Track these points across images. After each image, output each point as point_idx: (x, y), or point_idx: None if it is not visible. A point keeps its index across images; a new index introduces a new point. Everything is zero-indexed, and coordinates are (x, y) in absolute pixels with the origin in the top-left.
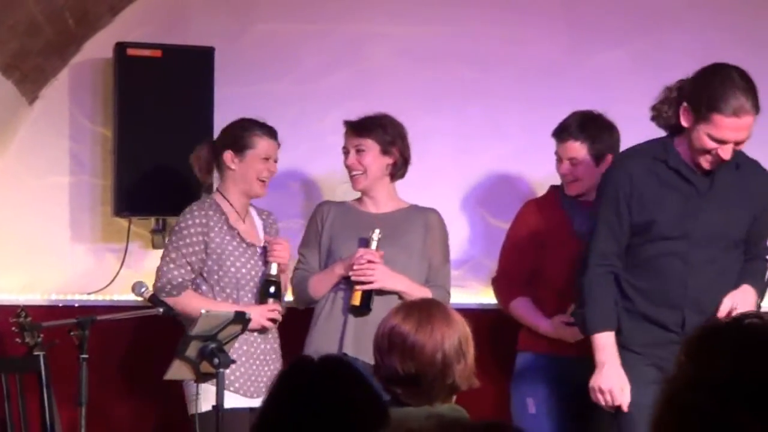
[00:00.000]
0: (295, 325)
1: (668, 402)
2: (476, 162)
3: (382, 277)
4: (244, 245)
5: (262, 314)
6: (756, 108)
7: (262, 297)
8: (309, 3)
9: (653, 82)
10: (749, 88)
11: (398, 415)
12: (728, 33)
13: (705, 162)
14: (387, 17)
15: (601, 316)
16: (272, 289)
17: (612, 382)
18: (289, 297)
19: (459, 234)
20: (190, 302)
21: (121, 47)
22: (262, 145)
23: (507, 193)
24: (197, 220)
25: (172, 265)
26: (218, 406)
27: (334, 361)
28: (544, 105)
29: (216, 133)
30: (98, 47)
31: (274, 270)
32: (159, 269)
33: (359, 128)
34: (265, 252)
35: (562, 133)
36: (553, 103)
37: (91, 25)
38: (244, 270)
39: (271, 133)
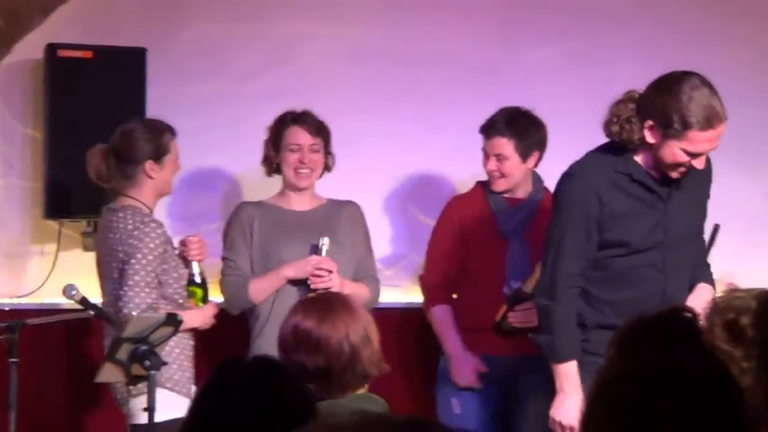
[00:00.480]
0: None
1: (596, 395)
2: (409, 160)
3: (338, 283)
4: (176, 254)
5: (207, 315)
6: (725, 113)
7: (199, 293)
8: (241, 3)
9: (585, 80)
10: (715, 95)
11: (322, 409)
12: (657, 30)
13: (676, 173)
14: (320, 17)
15: (569, 345)
16: (201, 283)
17: (573, 417)
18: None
19: (391, 232)
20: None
21: (51, 48)
22: (174, 146)
23: (438, 191)
24: (159, 234)
25: (137, 290)
26: (150, 408)
27: (264, 361)
28: (477, 104)
29: None
30: (29, 48)
31: (197, 269)
32: (123, 294)
33: (317, 127)
34: (180, 241)
35: (489, 129)
36: (485, 101)
37: (22, 25)
38: (180, 282)
39: (174, 131)
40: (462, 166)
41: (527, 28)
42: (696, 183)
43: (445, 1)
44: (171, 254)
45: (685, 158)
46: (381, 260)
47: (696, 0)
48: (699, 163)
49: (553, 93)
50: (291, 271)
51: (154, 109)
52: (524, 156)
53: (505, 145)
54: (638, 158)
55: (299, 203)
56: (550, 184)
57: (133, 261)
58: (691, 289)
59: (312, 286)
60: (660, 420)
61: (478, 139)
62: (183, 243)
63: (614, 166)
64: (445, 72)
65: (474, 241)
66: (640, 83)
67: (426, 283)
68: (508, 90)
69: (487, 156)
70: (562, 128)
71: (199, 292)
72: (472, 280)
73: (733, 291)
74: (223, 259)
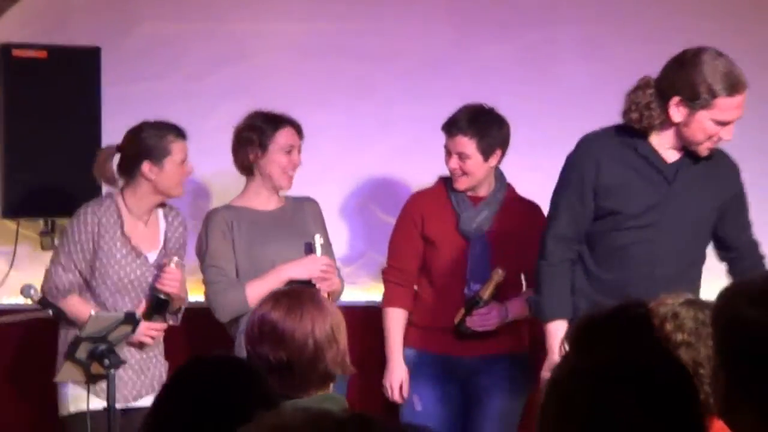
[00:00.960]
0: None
1: (551, 391)
2: (365, 157)
3: (338, 282)
4: (134, 254)
5: (143, 331)
6: (746, 80)
7: (148, 313)
8: (193, 1)
9: (539, 75)
10: (734, 63)
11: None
12: (611, 26)
13: (705, 149)
14: (271, 14)
15: (558, 304)
16: (158, 307)
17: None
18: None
19: (350, 230)
20: (72, 308)
21: (5, 48)
22: (177, 149)
23: (397, 188)
24: (88, 227)
25: (60, 269)
26: (110, 407)
27: (227, 360)
28: (432, 99)
29: (105, 133)
30: None
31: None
32: (47, 271)
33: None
34: (158, 265)
35: (451, 127)
36: (441, 96)
37: None
38: (126, 279)
39: (182, 134)
40: (420, 162)
41: (480, 23)
42: (713, 180)
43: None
44: (108, 244)
45: (715, 129)
46: (340, 258)
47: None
48: (727, 133)
49: (507, 88)
50: (294, 272)
51: (108, 108)
52: (486, 155)
53: (467, 143)
54: (652, 139)
55: (267, 203)
56: (510, 178)
57: (64, 241)
58: (693, 282)
59: (318, 286)
60: (615, 412)
61: (435, 135)
62: (161, 266)
63: (622, 140)
64: (398, 67)
65: (435, 239)
66: (586, 79)
67: (386, 278)
68: (463, 85)
69: (449, 154)
70: (519, 123)
71: (156, 316)
72: (433, 280)
73: (663, 299)
74: (209, 267)
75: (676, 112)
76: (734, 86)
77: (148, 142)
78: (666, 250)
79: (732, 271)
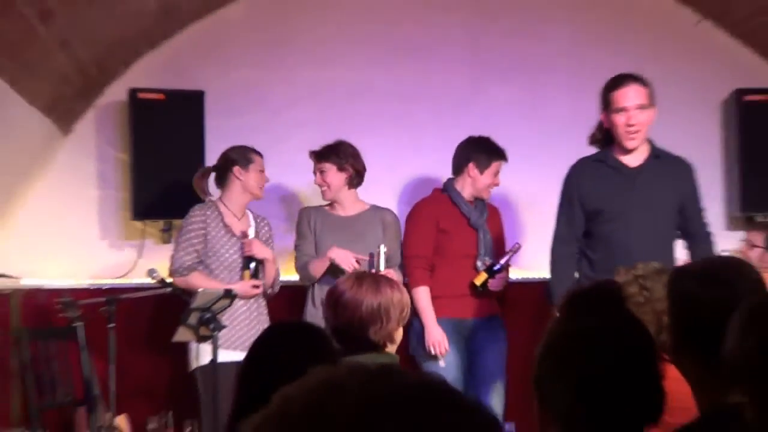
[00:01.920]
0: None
1: (546, 346)
2: (403, 172)
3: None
4: (234, 238)
5: (245, 286)
6: (642, 82)
7: (245, 272)
8: (273, 53)
9: (531, 111)
10: (629, 73)
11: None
12: (588, 74)
13: (628, 138)
14: (332, 64)
15: (560, 290)
16: (247, 263)
17: None
18: (290, 277)
19: None
20: (196, 281)
21: (133, 92)
22: (258, 160)
23: (425, 195)
24: (198, 218)
25: (182, 252)
26: (214, 359)
27: (300, 325)
28: (453, 130)
29: (207, 156)
30: (116, 92)
31: (256, 254)
32: (171, 257)
33: (319, 155)
34: (242, 238)
35: (501, 154)
36: (459, 127)
37: (110, 74)
38: (231, 258)
39: (259, 153)
40: (444, 176)
41: (489, 71)
42: (667, 178)
43: (425, 49)
44: (217, 235)
45: (621, 118)
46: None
47: (615, 49)
48: (633, 117)
49: (509, 122)
50: (335, 256)
51: (210, 136)
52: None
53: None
54: (616, 153)
55: (342, 210)
56: (510, 190)
57: (182, 231)
58: (667, 256)
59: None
60: (593, 363)
61: (450, 155)
62: (243, 241)
63: (596, 159)
64: (427, 105)
65: (450, 230)
66: (567, 114)
67: (413, 265)
68: (475, 118)
69: (495, 175)
70: (517, 147)
71: (247, 274)
72: (449, 260)
73: (636, 267)
74: (296, 246)
75: (604, 121)
76: (616, 81)
77: (236, 155)
78: (637, 233)
79: (691, 255)
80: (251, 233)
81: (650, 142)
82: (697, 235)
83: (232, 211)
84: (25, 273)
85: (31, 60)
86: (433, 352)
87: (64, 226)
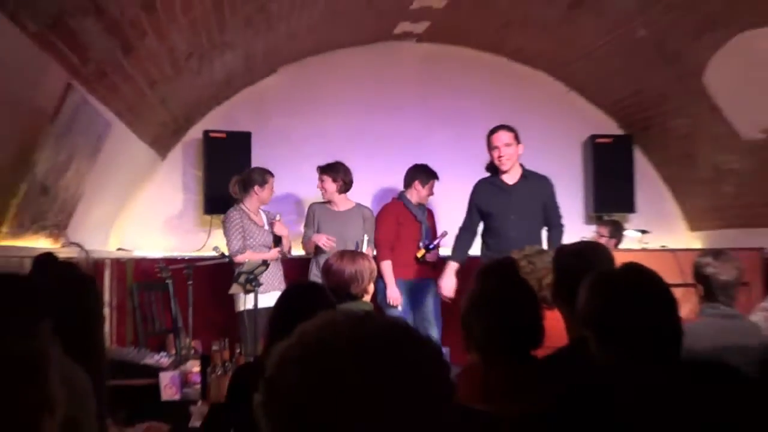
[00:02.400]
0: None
1: (468, 300)
2: (381, 182)
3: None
4: (257, 227)
5: (273, 253)
6: (509, 128)
7: (274, 243)
8: (298, 108)
9: (461, 151)
10: (500, 124)
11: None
12: (509, 122)
13: (500, 165)
14: (335, 116)
15: (457, 252)
16: (277, 241)
17: (447, 288)
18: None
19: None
20: (245, 256)
21: (206, 132)
22: (270, 180)
23: (387, 197)
24: (236, 217)
25: (234, 240)
26: (255, 305)
27: (309, 283)
28: (409, 158)
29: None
30: (195, 132)
31: (278, 233)
32: (228, 243)
33: (321, 169)
34: (270, 223)
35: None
36: (413, 157)
37: (192, 121)
38: (260, 240)
39: (271, 173)
40: (397, 187)
41: (432, 122)
42: (533, 190)
43: (394, 106)
44: (249, 226)
45: (495, 153)
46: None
47: (515, 107)
48: (501, 152)
49: (443, 155)
50: (316, 239)
51: (254, 162)
52: (423, 184)
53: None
54: (499, 175)
55: (336, 207)
56: (444, 197)
57: (229, 226)
58: (536, 242)
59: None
60: (496, 309)
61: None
62: (271, 223)
63: (486, 179)
64: (394, 142)
65: (403, 223)
66: (485, 151)
67: (378, 245)
68: (424, 153)
69: (431, 188)
70: (449, 172)
71: (275, 244)
72: (403, 242)
73: (526, 249)
74: (305, 228)
75: (489, 155)
76: (492, 130)
77: (256, 176)
78: (514, 227)
79: (548, 239)
80: (275, 223)
81: (522, 166)
82: (553, 227)
83: (251, 210)
84: (137, 247)
85: (142, 112)
86: (392, 304)
87: (162, 217)
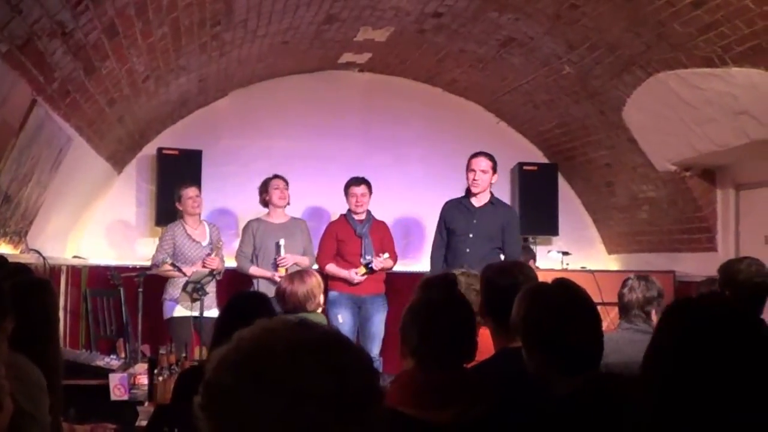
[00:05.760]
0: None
1: (407, 310)
2: (327, 197)
3: (290, 261)
4: (192, 241)
5: (188, 271)
6: (487, 156)
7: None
8: (247, 129)
9: (401, 172)
10: (482, 151)
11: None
12: (438, 149)
13: (472, 186)
14: (286, 136)
15: (433, 270)
16: (210, 273)
17: None
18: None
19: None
20: (163, 269)
21: (160, 149)
22: (185, 193)
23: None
24: (169, 230)
25: (158, 252)
26: (200, 314)
27: (254, 293)
28: (349, 176)
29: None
30: (150, 149)
31: (209, 266)
32: (154, 255)
33: (282, 179)
34: (209, 247)
35: (359, 182)
36: (353, 174)
37: (147, 138)
38: (190, 254)
39: (189, 185)
40: (340, 201)
41: (374, 146)
42: (496, 215)
43: (337, 131)
44: (181, 240)
45: (471, 175)
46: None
47: (452, 135)
48: (477, 176)
49: (384, 174)
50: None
51: (204, 180)
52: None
53: (366, 191)
54: (468, 197)
55: (275, 219)
56: (392, 212)
57: (160, 239)
58: (494, 259)
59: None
60: (433, 319)
61: (339, 192)
62: (204, 259)
63: (456, 200)
64: (337, 162)
65: (344, 239)
66: (422, 171)
67: (319, 260)
68: (366, 171)
69: (355, 197)
70: (393, 190)
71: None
72: (344, 257)
73: (465, 269)
74: (240, 245)
75: (467, 177)
76: (474, 154)
77: (176, 193)
78: (475, 245)
79: (504, 259)
80: (206, 259)
81: (491, 193)
82: (507, 255)
83: (190, 225)
84: (92, 255)
85: (101, 128)
86: (354, 281)
87: (116, 228)
